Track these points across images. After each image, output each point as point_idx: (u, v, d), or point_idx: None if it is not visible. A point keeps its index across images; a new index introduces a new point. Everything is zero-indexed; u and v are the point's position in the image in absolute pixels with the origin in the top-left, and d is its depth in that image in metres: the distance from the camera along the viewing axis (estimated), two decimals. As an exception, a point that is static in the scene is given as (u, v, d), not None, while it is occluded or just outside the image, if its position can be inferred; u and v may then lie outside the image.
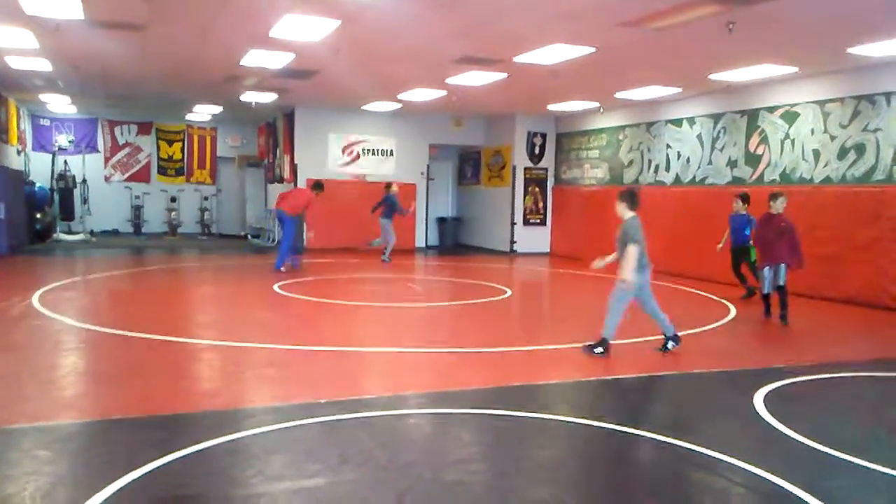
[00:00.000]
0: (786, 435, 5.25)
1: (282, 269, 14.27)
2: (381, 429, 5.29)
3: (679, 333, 7.89)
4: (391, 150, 20.38)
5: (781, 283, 9.67)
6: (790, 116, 13.16)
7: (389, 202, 16.87)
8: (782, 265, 9.61)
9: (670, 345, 7.81)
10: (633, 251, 7.22)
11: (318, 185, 15.19)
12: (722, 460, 4.67)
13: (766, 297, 10.08)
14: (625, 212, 7.43)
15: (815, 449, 4.97)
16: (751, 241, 11.03)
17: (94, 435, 5.03)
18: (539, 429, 5.41)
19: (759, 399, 6.11)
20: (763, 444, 5.15)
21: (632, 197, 7.47)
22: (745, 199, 11.78)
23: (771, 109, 13.56)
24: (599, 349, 7.54)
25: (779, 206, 9.78)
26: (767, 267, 9.80)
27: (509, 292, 12.77)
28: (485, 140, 21.42)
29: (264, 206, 23.34)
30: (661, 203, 16.18)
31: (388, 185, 17.18)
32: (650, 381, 6.91)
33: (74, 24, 9.93)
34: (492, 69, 12.77)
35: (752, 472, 4.48)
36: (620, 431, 5.27)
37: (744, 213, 11.68)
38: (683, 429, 5.39)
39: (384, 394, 6.21)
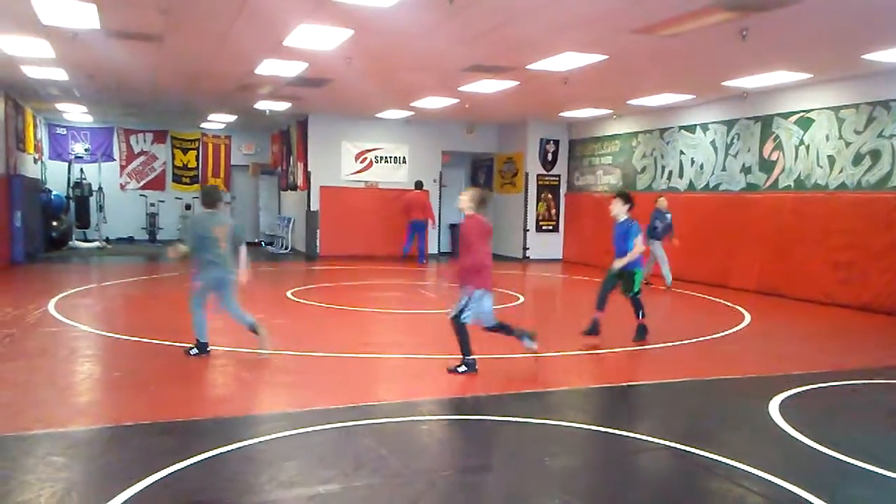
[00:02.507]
0: (802, 443, 5.21)
1: (424, 261, 18.50)
2: (394, 435, 5.29)
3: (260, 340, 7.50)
4: (404, 158, 20.42)
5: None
6: (805, 122, 13.09)
7: (660, 220, 13.99)
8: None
9: (195, 351, 7.50)
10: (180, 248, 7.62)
11: (417, 184, 18.53)
12: (738, 468, 4.64)
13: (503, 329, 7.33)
14: (201, 206, 7.72)
15: (832, 457, 4.92)
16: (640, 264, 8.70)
17: (109, 441, 5.05)
18: (553, 436, 5.39)
19: (774, 407, 6.06)
20: (780, 453, 5.11)
21: (203, 196, 7.78)
22: (626, 198, 8.68)
23: (785, 115, 13.49)
24: (194, 350, 7.44)
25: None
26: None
27: (522, 299, 12.74)
28: (497, 147, 21.43)
29: (278, 214, 23.45)
30: (674, 209, 16.12)
31: (660, 197, 14.40)
32: (664, 388, 6.87)
33: (91, 34, 10.03)
34: (504, 77, 12.78)
35: (770, 481, 4.44)
36: (634, 438, 5.24)
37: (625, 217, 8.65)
38: (699, 436, 5.35)
39: (397, 400, 6.21)
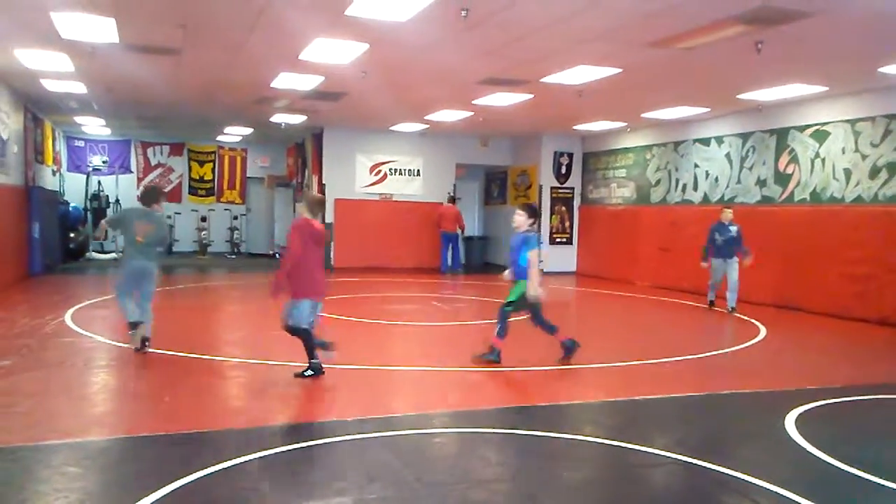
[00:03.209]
0: (819, 458, 5.15)
1: (458, 269, 19.86)
2: (407, 447, 5.29)
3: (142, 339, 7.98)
4: (418, 170, 20.49)
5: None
6: (820, 135, 13.02)
7: (720, 233, 12.45)
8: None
9: (131, 332, 7.98)
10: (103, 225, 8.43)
11: (450, 199, 19.86)
12: (754, 484, 4.59)
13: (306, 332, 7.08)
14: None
15: (850, 473, 4.86)
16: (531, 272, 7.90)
17: (124, 452, 5.08)
18: (566, 449, 5.36)
19: (790, 421, 6.01)
20: (796, 468, 5.06)
21: (142, 192, 8.58)
22: (531, 211, 8.11)
23: (801, 128, 13.43)
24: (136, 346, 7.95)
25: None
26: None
27: (536, 312, 12.69)
28: (511, 160, 21.46)
29: (292, 226, 23.52)
30: (689, 222, 16.07)
31: (726, 208, 12.88)
32: (678, 401, 6.83)
33: (109, 48, 10.15)
34: (518, 90, 12.81)
35: (786, 497, 4.40)
36: (649, 453, 5.21)
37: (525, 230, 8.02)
38: (713, 451, 5.31)
39: (411, 412, 6.21)
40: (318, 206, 7.21)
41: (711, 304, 13.08)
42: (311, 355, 7.04)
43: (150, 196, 8.30)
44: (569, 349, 8.12)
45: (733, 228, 12.40)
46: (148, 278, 8.05)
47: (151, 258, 8.05)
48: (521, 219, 7.97)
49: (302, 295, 6.97)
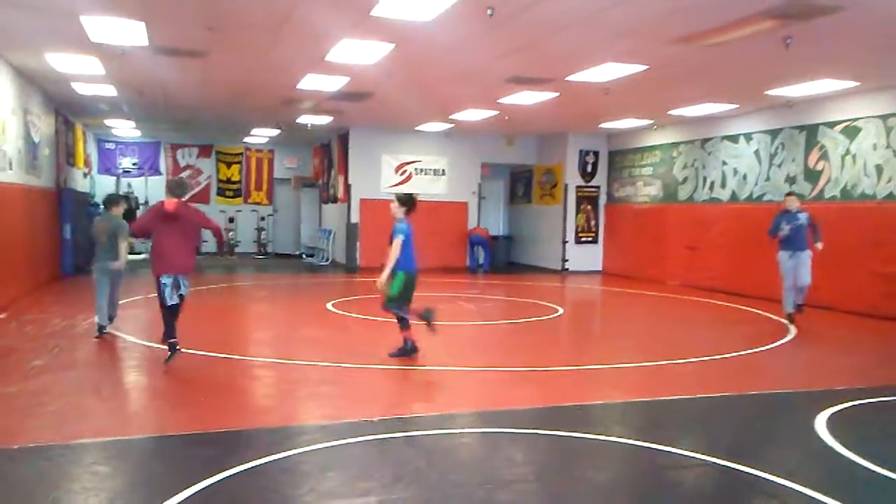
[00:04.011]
0: (851, 460, 5.07)
1: (486, 270, 20.08)
2: (432, 448, 5.29)
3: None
4: (443, 170, 20.50)
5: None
6: (851, 131, 12.81)
7: (788, 222, 10.65)
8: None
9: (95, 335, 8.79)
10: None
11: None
12: (784, 486, 4.53)
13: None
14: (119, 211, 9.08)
15: (883, 476, 4.77)
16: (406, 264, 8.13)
17: (153, 451, 5.14)
18: (593, 450, 5.33)
19: (821, 422, 5.92)
20: (827, 470, 4.99)
21: (110, 201, 9.18)
22: (402, 201, 8.30)
23: (831, 124, 13.22)
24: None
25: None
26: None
27: (561, 311, 12.66)
28: (537, 158, 21.38)
29: (319, 226, 23.69)
30: (717, 220, 15.92)
31: (788, 195, 11.09)
32: (707, 402, 6.76)
33: (139, 51, 10.29)
34: (543, 88, 12.76)
35: (818, 499, 4.33)
36: (677, 454, 5.16)
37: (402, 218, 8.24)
38: (742, 452, 5.24)
39: (436, 412, 6.21)
40: (177, 186, 7.78)
41: (790, 317, 10.91)
42: (168, 335, 7.50)
43: (108, 200, 9.24)
44: (406, 351, 8.07)
45: (802, 216, 10.57)
46: (112, 276, 8.91)
47: (112, 258, 8.82)
48: (394, 207, 8.22)
49: (156, 273, 7.52)
